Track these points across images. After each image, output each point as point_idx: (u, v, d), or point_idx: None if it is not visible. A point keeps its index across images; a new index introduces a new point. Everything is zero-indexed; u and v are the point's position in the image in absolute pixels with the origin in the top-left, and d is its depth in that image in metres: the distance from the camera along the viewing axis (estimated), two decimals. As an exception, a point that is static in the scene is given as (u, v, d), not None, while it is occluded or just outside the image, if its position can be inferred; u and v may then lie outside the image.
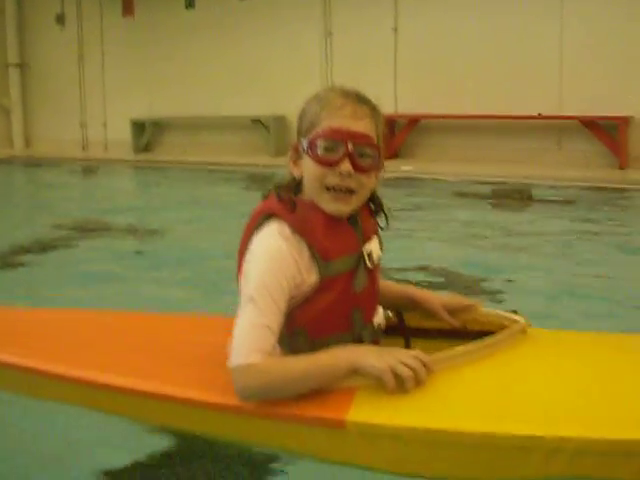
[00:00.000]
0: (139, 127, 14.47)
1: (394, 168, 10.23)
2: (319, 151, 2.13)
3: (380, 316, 2.31)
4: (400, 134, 11.79)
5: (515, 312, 2.49)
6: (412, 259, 5.12)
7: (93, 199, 9.72)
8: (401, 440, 1.95)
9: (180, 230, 6.74)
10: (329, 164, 2.12)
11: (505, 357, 2.16)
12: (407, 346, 2.50)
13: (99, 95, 15.29)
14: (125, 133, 14.43)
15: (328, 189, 2.14)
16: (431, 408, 1.97)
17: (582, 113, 10.35)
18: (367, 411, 1.99)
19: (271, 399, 2.05)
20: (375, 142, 2.17)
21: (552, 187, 8.90)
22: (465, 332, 2.48)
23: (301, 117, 2.22)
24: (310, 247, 2.11)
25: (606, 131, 10.28)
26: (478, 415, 1.95)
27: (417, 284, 4.36)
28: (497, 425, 1.91)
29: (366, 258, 2.20)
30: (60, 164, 13.33)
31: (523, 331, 2.30)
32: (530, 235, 6.18)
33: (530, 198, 8.25)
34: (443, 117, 11.50)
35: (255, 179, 10.42)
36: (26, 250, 5.75)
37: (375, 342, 2.27)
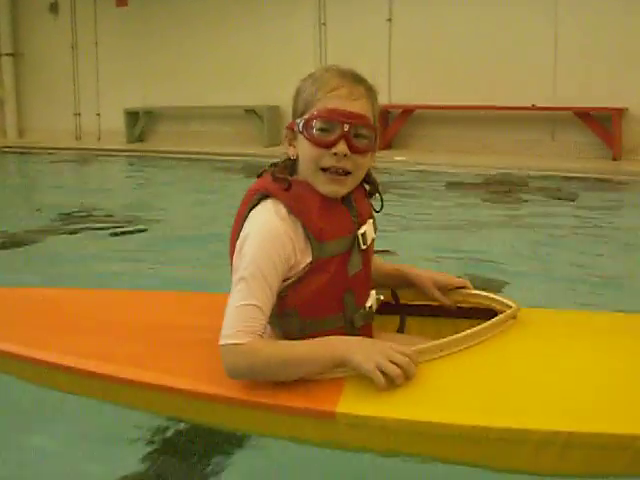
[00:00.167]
0: (133, 117, 14.43)
1: (388, 158, 10.23)
2: (314, 132, 2.12)
3: (372, 298, 2.31)
4: (394, 125, 11.78)
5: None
6: (402, 248, 5.12)
7: (86, 188, 9.69)
8: (390, 431, 1.95)
9: (172, 218, 6.73)
10: (325, 145, 2.11)
11: (495, 345, 2.15)
12: (402, 325, 2.51)
13: (93, 85, 15.23)
14: (119, 123, 14.39)
15: (324, 170, 2.13)
16: (421, 399, 1.97)
17: (576, 104, 10.35)
18: (357, 402, 1.98)
19: (259, 381, 2.05)
20: (371, 122, 2.16)
21: (545, 178, 8.90)
22: (457, 310, 2.48)
23: (296, 97, 2.21)
24: (305, 227, 2.10)
25: (600, 123, 10.28)
26: (467, 407, 1.94)
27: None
28: (487, 418, 1.90)
29: (360, 240, 2.19)
30: (53, 154, 13.28)
31: (513, 316, 2.29)
32: (522, 226, 6.18)
33: (523, 189, 8.25)
34: (437, 108, 11.49)
35: (249, 169, 10.40)
36: (17, 237, 5.74)
37: (367, 325, 2.27)
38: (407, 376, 1.97)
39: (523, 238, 5.71)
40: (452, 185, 8.61)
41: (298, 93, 2.21)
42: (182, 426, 2.25)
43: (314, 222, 2.11)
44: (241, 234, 2.12)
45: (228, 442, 2.18)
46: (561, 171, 9.24)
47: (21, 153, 13.91)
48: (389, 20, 12.03)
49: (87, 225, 6.34)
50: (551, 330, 2.34)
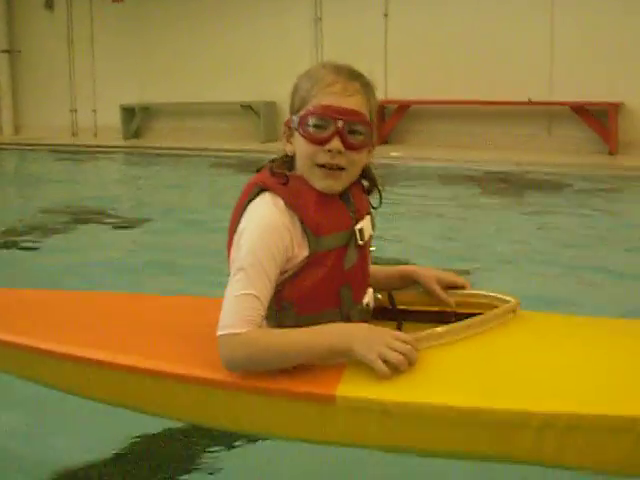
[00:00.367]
0: (129, 113, 14.41)
1: (384, 154, 10.24)
2: (309, 129, 2.13)
3: (369, 296, 2.31)
4: (390, 120, 11.79)
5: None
6: (398, 243, 5.14)
7: (82, 185, 9.69)
8: (391, 415, 1.95)
9: (167, 214, 6.73)
10: (319, 142, 2.12)
11: (495, 335, 2.16)
12: (399, 329, 2.50)
13: (89, 81, 15.22)
14: (115, 119, 14.37)
15: (319, 166, 2.14)
16: (422, 383, 1.97)
17: (572, 99, 10.36)
18: (357, 386, 1.98)
19: (258, 371, 2.05)
20: (366, 118, 2.16)
21: (542, 173, 8.91)
22: (455, 314, 2.48)
23: (293, 93, 2.21)
24: (302, 221, 2.11)
25: (596, 117, 10.30)
26: (468, 390, 1.94)
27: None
28: (487, 400, 1.90)
29: (357, 235, 2.20)
30: (50, 150, 13.28)
31: (513, 310, 2.30)
32: (519, 221, 6.20)
33: (519, 184, 8.26)
34: (433, 103, 11.50)
35: (245, 165, 10.41)
36: (14, 233, 5.75)
37: (363, 322, 2.27)
38: (410, 362, 1.97)
39: (519, 232, 5.72)
40: (448, 180, 8.62)
41: (295, 90, 2.21)
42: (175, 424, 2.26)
43: (311, 216, 2.11)
44: (239, 226, 2.13)
45: (223, 439, 2.19)
46: (557, 166, 9.26)
47: (17, 150, 13.90)
48: (385, 15, 12.03)
49: (82, 221, 6.35)
50: (551, 325, 2.35)
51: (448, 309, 2.43)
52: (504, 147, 10.83)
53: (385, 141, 11.61)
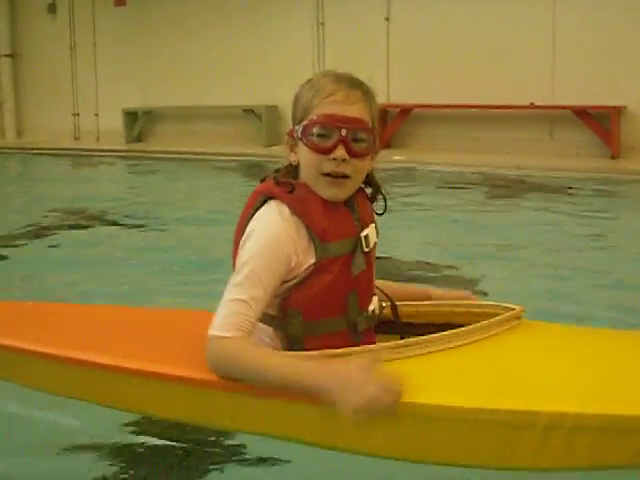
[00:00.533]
0: (131, 117, 14.42)
1: (386, 158, 10.24)
2: (313, 138, 2.14)
3: (375, 303, 2.32)
4: (392, 124, 11.78)
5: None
6: (399, 246, 5.14)
7: (84, 188, 9.69)
8: (396, 416, 1.94)
9: (170, 218, 6.74)
10: (323, 151, 2.13)
11: (500, 340, 2.17)
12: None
13: (91, 85, 15.22)
14: (117, 123, 14.37)
15: (324, 175, 2.15)
16: (427, 386, 1.98)
17: (574, 103, 10.35)
18: None
19: (234, 377, 2.04)
20: (369, 126, 2.18)
21: (544, 177, 8.91)
22: (459, 326, 2.48)
23: (295, 103, 2.24)
24: (308, 228, 2.13)
25: (598, 121, 10.29)
26: (474, 392, 1.95)
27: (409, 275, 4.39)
28: (492, 401, 1.90)
29: (363, 242, 2.21)
30: (52, 154, 13.29)
31: (518, 317, 2.31)
32: (520, 226, 6.20)
33: (521, 188, 8.26)
34: (436, 107, 11.49)
35: (247, 168, 10.42)
36: (17, 238, 5.75)
37: (369, 329, 2.27)
38: (391, 411, 1.90)
39: (521, 236, 5.72)
40: (450, 184, 8.62)
41: (296, 99, 2.24)
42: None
43: (317, 223, 2.13)
44: (244, 236, 2.14)
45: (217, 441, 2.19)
46: (560, 170, 9.25)
47: (20, 153, 13.92)
48: (387, 19, 12.03)
49: (84, 224, 6.35)
50: (554, 333, 2.37)
51: (453, 321, 2.43)
52: (506, 151, 10.82)
53: (387, 145, 11.59)
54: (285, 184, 2.18)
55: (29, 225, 6.32)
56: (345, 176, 2.15)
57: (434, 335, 2.11)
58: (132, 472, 2.19)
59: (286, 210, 2.14)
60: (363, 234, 2.22)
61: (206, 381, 2.11)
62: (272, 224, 2.12)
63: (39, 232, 6.02)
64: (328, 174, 2.15)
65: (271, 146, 12.19)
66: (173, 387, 2.19)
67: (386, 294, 2.42)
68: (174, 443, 2.26)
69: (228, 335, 2.02)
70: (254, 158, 11.28)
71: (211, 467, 2.17)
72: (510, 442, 1.88)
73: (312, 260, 2.13)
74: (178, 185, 9.49)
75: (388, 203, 2.36)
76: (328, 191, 2.16)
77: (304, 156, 2.18)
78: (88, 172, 11.78)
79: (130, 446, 2.29)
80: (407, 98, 11.66)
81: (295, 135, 2.20)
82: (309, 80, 2.23)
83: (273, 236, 2.10)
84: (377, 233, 2.31)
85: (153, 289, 4.38)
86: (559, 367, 2.06)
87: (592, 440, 1.83)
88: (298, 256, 2.12)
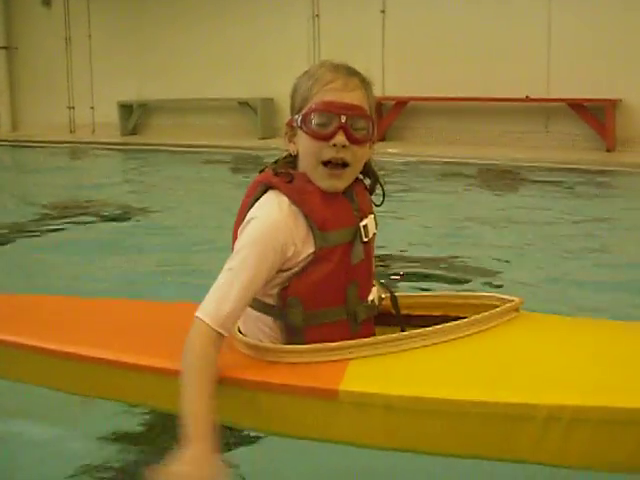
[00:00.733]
0: (127, 110, 14.42)
1: (381, 150, 10.24)
2: (313, 125, 2.15)
3: (374, 293, 2.32)
4: (387, 117, 11.78)
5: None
6: (396, 238, 5.15)
7: (79, 181, 9.70)
8: (394, 409, 1.95)
9: (165, 211, 6.74)
10: (323, 137, 2.14)
11: (499, 332, 2.17)
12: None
13: (86, 78, 15.21)
14: (113, 116, 14.37)
15: (324, 164, 2.15)
16: (425, 378, 1.98)
17: (570, 96, 10.37)
18: (360, 381, 1.99)
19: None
20: (368, 113, 2.19)
21: (539, 170, 8.92)
22: (459, 319, 2.49)
23: (293, 94, 2.24)
24: (307, 217, 2.13)
25: (593, 114, 10.30)
26: (473, 384, 1.95)
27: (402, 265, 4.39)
28: (491, 394, 1.91)
29: (362, 231, 2.22)
30: (48, 147, 13.28)
31: (516, 309, 2.31)
32: (516, 218, 6.21)
33: (517, 181, 8.27)
34: (431, 100, 11.50)
35: (243, 161, 10.42)
36: (11, 230, 5.75)
37: (369, 319, 2.28)
38: None
39: (516, 228, 5.73)
40: (446, 177, 8.63)
41: (295, 90, 2.24)
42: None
43: (316, 212, 2.14)
44: (244, 222, 2.15)
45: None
46: (555, 162, 9.27)
47: (15, 146, 13.90)
48: (382, 12, 12.03)
49: (79, 218, 6.35)
50: (553, 324, 2.36)
51: (452, 313, 2.43)
52: (501, 143, 10.84)
53: (382, 138, 11.60)
54: (284, 174, 2.19)
55: (23, 217, 6.32)
56: (345, 164, 2.16)
57: (433, 327, 2.11)
58: (126, 458, 2.19)
59: (285, 200, 2.14)
60: (362, 224, 2.22)
61: None
62: (271, 213, 2.12)
63: (33, 224, 6.02)
64: (328, 162, 2.15)
65: (267, 139, 12.20)
66: (171, 381, 2.19)
67: (385, 286, 2.43)
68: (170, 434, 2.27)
69: (206, 321, 2.02)
70: (250, 151, 11.27)
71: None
72: (509, 434, 1.88)
73: (311, 249, 2.13)
74: (173, 177, 9.48)
75: (379, 193, 2.36)
76: (327, 182, 2.16)
77: (304, 144, 2.19)
78: (83, 164, 11.77)
79: (124, 434, 2.29)
80: (403, 91, 11.66)
81: (295, 124, 2.21)
82: (306, 71, 2.24)
83: (271, 225, 2.10)
84: (376, 224, 2.32)
85: (150, 282, 4.39)
86: (559, 359, 2.05)
87: (592, 433, 1.83)
88: (296, 245, 2.12)
